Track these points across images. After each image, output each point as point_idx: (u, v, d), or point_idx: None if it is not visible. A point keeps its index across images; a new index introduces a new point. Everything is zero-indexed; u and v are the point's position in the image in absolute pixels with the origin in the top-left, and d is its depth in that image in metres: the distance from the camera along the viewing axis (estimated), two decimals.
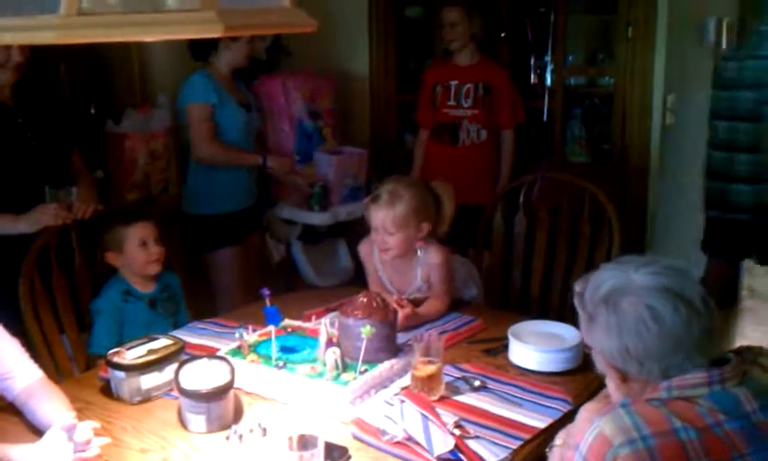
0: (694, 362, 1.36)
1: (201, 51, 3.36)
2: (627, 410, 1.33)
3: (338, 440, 1.78)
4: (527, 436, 1.81)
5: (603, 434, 1.31)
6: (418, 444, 1.74)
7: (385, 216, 2.46)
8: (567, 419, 1.80)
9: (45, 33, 1.29)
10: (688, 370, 1.36)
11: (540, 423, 1.86)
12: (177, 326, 2.56)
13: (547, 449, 1.68)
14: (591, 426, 1.34)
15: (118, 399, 2.01)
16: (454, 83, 3.76)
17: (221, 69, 3.36)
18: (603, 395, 1.60)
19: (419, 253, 2.55)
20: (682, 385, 1.35)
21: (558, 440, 1.64)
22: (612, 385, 1.49)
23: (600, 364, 1.48)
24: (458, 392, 2.02)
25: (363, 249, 2.68)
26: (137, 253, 2.55)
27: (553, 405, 1.94)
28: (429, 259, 2.54)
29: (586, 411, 1.57)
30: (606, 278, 1.43)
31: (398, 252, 2.52)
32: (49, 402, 1.85)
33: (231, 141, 3.35)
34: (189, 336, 2.36)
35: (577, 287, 1.49)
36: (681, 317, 1.35)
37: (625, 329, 1.38)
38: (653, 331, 1.36)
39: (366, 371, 2.02)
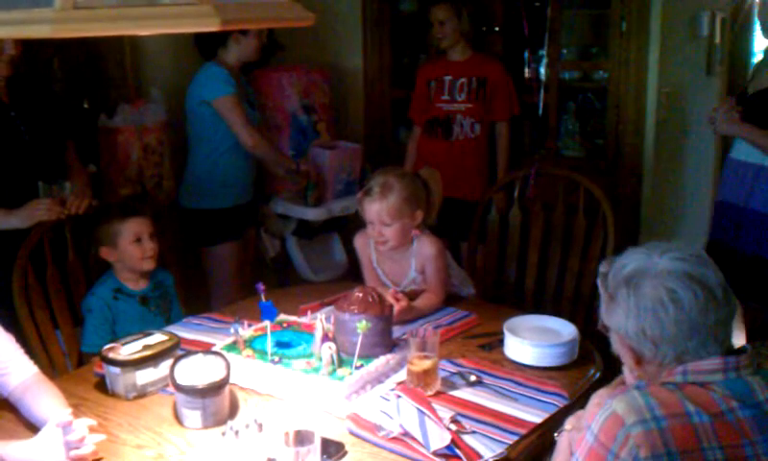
0: (709, 350, 1.37)
1: (208, 46, 3.34)
2: (641, 392, 1.34)
3: (334, 435, 1.78)
4: (523, 431, 1.81)
5: (616, 413, 1.32)
6: (414, 439, 1.74)
7: (379, 208, 2.48)
8: (564, 414, 1.80)
9: (40, 26, 1.28)
10: (703, 357, 1.37)
11: (536, 417, 1.86)
12: (170, 322, 2.55)
13: (556, 434, 1.68)
14: (604, 407, 1.35)
15: (113, 395, 2.01)
16: (448, 78, 3.77)
17: (230, 64, 3.34)
18: (617, 382, 1.61)
19: (413, 242, 2.55)
20: (697, 370, 1.37)
21: (567, 425, 1.64)
22: (626, 369, 1.51)
23: (616, 345, 1.49)
24: (454, 387, 2.02)
25: (358, 241, 2.69)
26: (131, 248, 2.54)
27: (549, 400, 1.94)
28: (423, 250, 2.56)
29: (597, 397, 1.58)
30: (630, 260, 1.45)
31: (395, 242, 2.53)
32: (44, 399, 1.84)
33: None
34: (184, 331, 2.36)
35: (602, 268, 1.51)
36: (699, 303, 1.36)
37: (643, 310, 1.39)
38: (670, 314, 1.37)
39: (362, 366, 2.01)
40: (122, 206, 2.69)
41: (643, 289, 1.40)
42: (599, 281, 1.51)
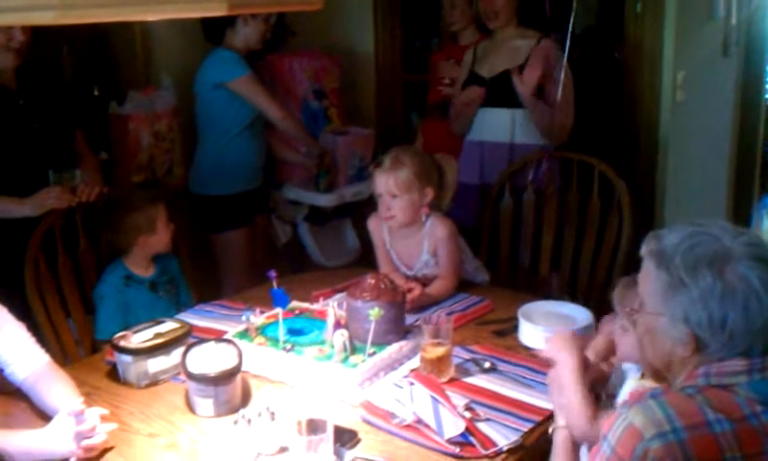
0: (764, 344, 1.30)
1: (215, 30, 3.31)
2: (658, 401, 1.28)
3: (347, 423, 1.77)
4: (538, 418, 1.79)
5: (633, 426, 1.26)
6: (428, 426, 1.72)
7: (388, 179, 2.49)
8: None
9: (45, 13, 1.27)
10: (754, 354, 1.30)
11: (551, 404, 1.83)
12: (179, 306, 2.57)
13: (550, 430, 1.66)
14: (620, 417, 1.29)
15: (125, 383, 2.00)
16: (451, 61, 3.75)
17: (237, 48, 3.32)
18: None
19: (424, 220, 2.54)
20: (721, 372, 1.30)
21: (560, 420, 1.62)
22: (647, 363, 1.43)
23: (667, 332, 1.35)
24: (468, 374, 2.00)
25: (372, 223, 2.69)
26: (165, 231, 2.58)
27: None
28: (436, 231, 2.54)
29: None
30: (698, 240, 1.33)
31: (403, 217, 2.52)
32: (56, 387, 1.84)
33: (249, 125, 3.33)
34: (196, 319, 2.35)
35: (650, 245, 1.38)
36: None
37: (730, 299, 1.28)
38: (763, 306, 1.27)
39: (374, 353, 2.00)
40: (145, 193, 2.72)
41: (728, 276, 1.28)
42: (652, 262, 1.36)
